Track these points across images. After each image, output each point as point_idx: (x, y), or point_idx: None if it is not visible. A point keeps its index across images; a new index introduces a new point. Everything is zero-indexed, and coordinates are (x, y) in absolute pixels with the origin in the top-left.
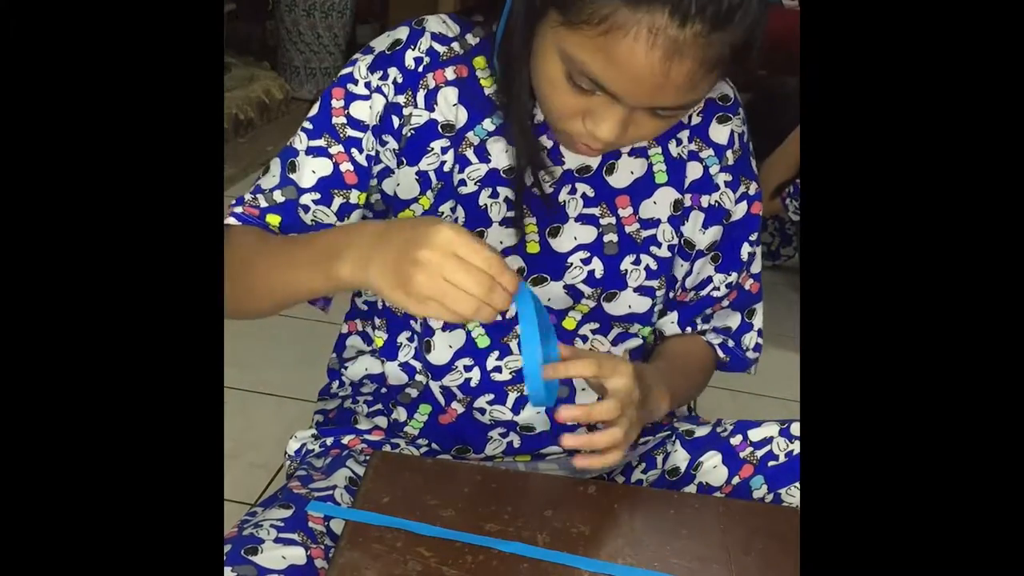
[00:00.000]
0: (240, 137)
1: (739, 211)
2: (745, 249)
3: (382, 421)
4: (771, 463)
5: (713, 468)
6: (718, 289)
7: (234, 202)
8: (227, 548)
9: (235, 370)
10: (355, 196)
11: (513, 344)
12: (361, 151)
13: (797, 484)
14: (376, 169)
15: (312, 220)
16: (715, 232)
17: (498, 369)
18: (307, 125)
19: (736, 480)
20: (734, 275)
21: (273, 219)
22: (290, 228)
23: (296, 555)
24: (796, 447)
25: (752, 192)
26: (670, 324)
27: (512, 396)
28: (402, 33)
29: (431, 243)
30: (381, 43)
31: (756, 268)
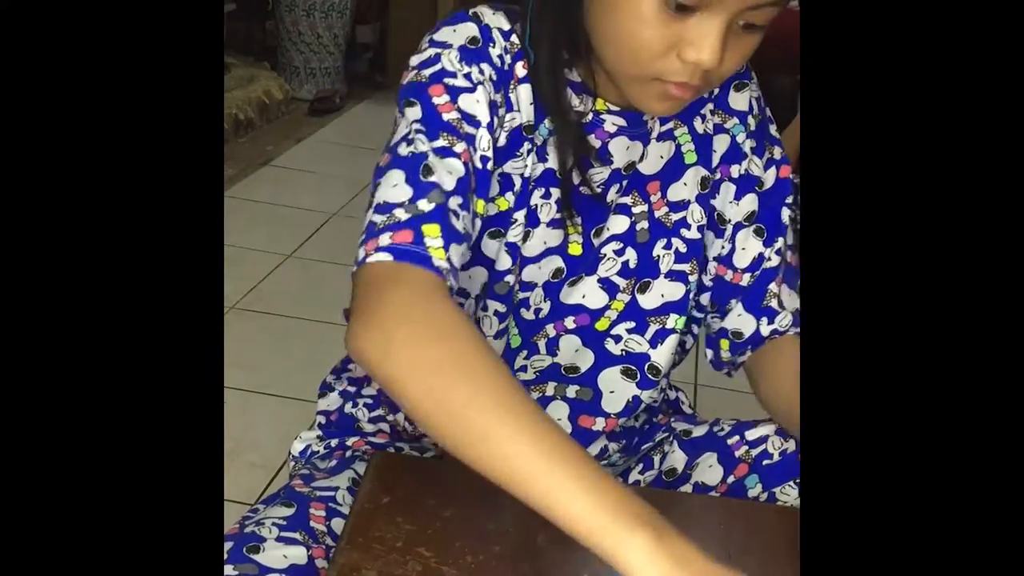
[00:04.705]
0: (240, 137)
1: (769, 177)
2: (785, 213)
3: (385, 426)
4: (766, 462)
5: (709, 468)
6: (770, 260)
7: (364, 237)
8: (229, 545)
9: (236, 370)
10: (479, 204)
11: (541, 343)
12: (476, 150)
13: (791, 483)
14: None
15: (464, 229)
16: (750, 201)
17: (523, 368)
18: (418, 127)
19: (731, 479)
20: (780, 241)
21: (430, 229)
22: (450, 237)
23: (297, 554)
24: (790, 446)
25: (778, 156)
26: (740, 319)
27: (534, 396)
28: (472, 30)
29: None
30: (456, 37)
31: (791, 239)
